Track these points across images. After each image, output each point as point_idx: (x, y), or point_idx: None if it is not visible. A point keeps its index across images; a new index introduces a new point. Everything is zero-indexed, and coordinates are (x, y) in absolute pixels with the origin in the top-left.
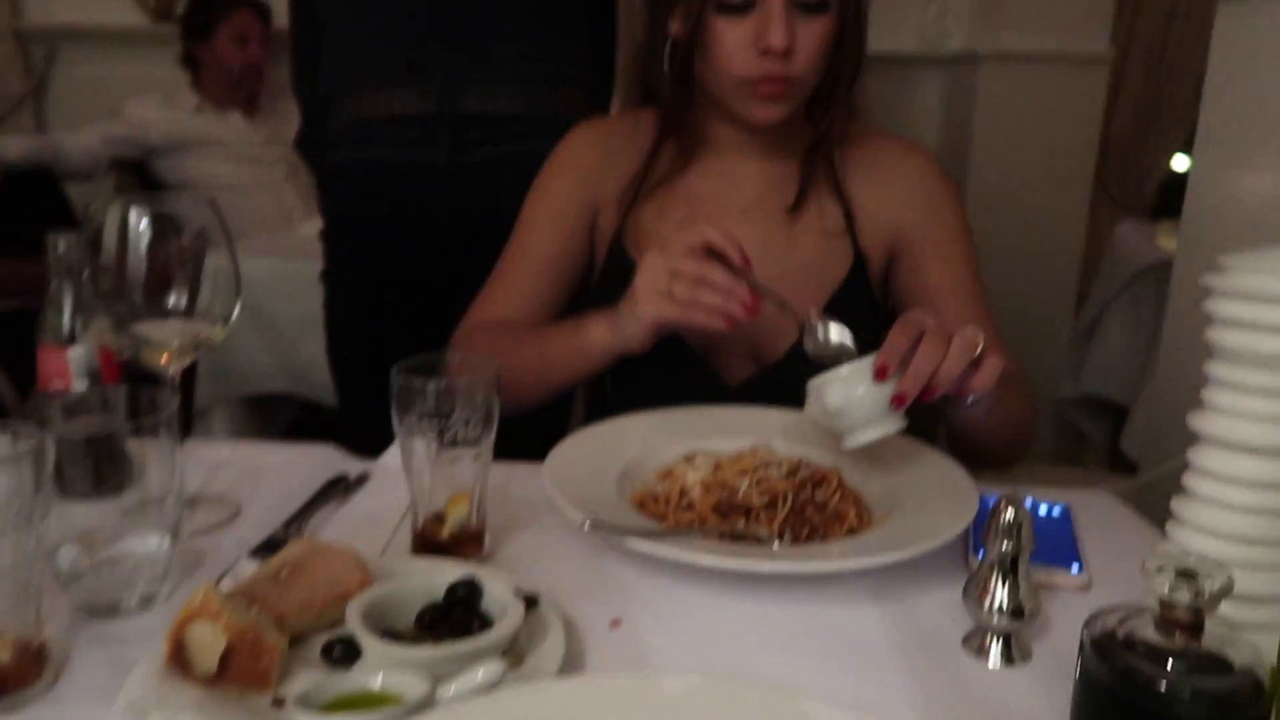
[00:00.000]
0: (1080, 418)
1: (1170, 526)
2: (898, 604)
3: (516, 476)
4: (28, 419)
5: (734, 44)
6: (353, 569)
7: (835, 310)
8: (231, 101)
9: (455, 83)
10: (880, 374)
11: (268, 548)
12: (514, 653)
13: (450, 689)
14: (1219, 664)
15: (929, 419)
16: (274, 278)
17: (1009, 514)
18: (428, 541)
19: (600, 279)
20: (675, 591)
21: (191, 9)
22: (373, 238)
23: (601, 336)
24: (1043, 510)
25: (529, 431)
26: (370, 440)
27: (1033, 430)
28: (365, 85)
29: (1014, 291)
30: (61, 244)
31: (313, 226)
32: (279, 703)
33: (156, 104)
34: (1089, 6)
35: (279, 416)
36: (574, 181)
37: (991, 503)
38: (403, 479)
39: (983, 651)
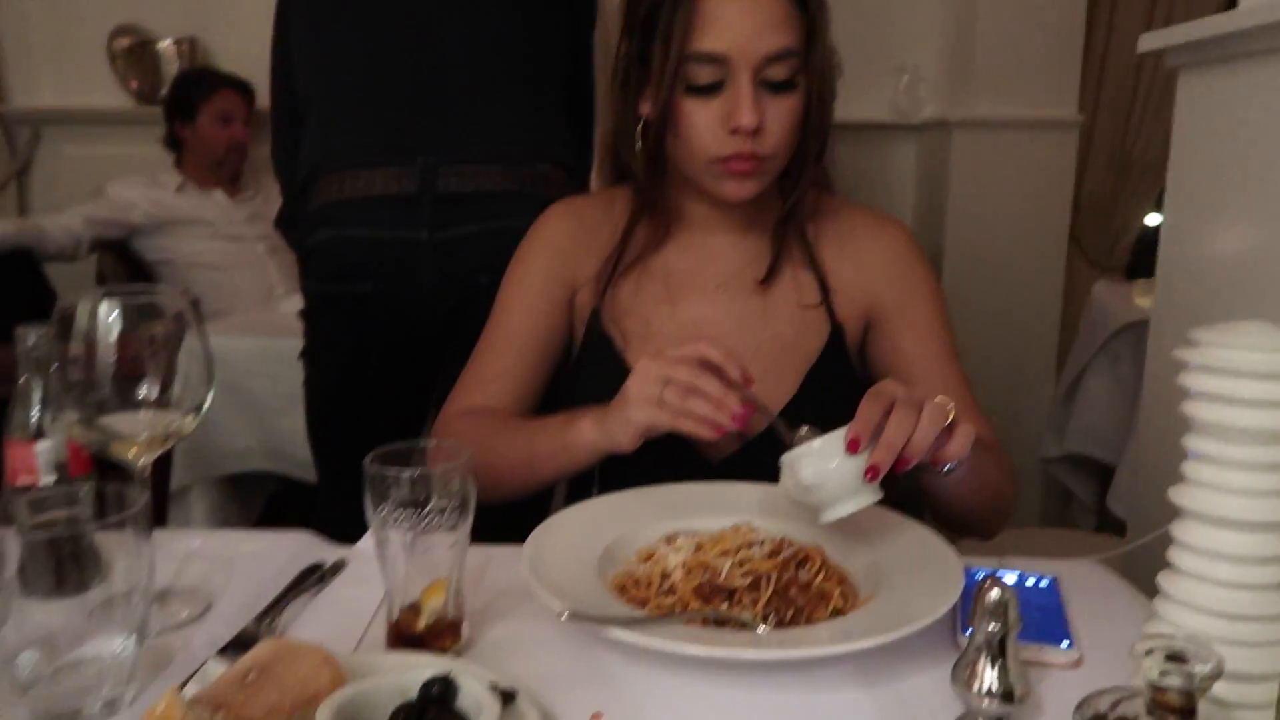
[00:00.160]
0: (1067, 476)
1: (1158, 603)
2: (886, 686)
3: (496, 560)
4: None
5: (704, 124)
6: (323, 669)
7: (814, 382)
8: (215, 180)
9: (435, 162)
10: (852, 446)
11: (237, 646)
12: None
13: None
14: None
15: (914, 493)
16: (255, 356)
17: (994, 594)
18: (403, 634)
19: (578, 357)
20: (659, 680)
21: (176, 90)
22: (353, 316)
23: (589, 436)
24: (1030, 582)
25: (510, 511)
26: (352, 520)
27: (1013, 497)
28: (345, 166)
29: (995, 352)
30: (31, 337)
31: (295, 303)
32: None
33: (139, 184)
34: (1056, 74)
35: (258, 494)
36: (550, 262)
37: (978, 577)
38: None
39: None
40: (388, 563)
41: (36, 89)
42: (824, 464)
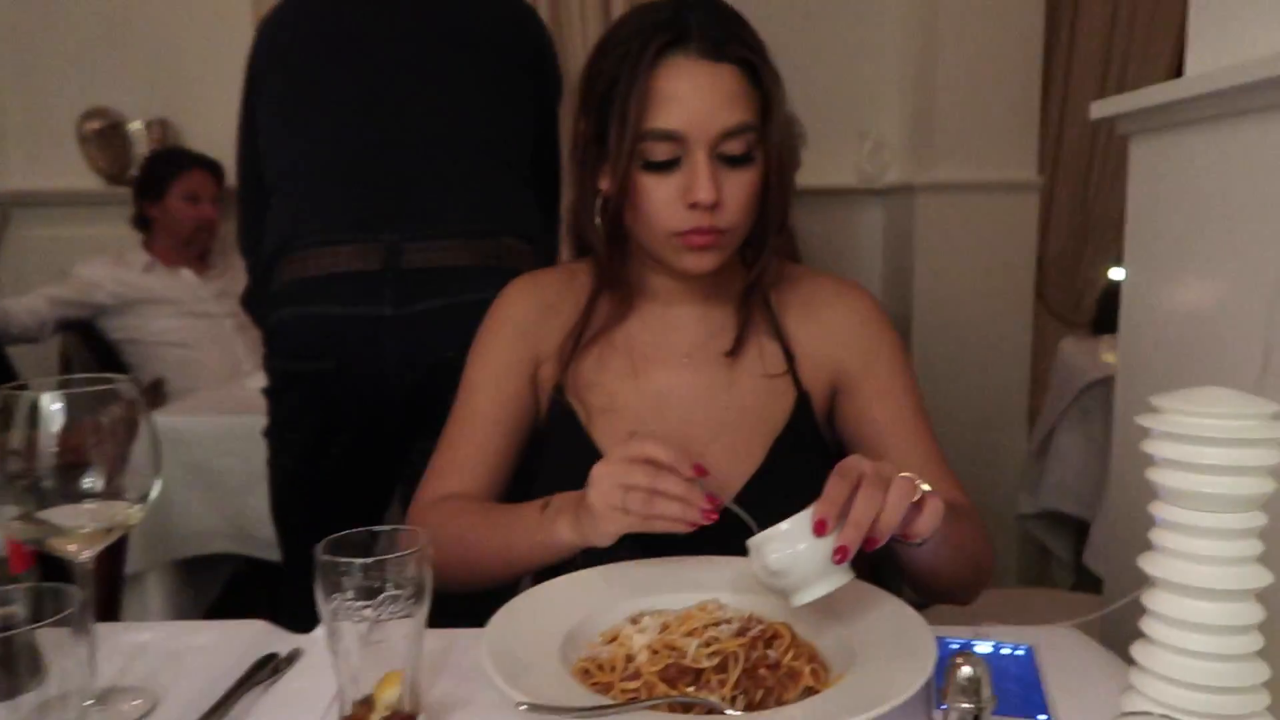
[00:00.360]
0: (1043, 533)
1: (1133, 674)
2: None
3: (458, 645)
4: None
5: (662, 199)
6: None
7: (780, 451)
8: (182, 259)
9: (399, 239)
10: (819, 528)
11: None
12: None
13: None
14: None
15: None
16: (219, 434)
17: (966, 670)
18: None
19: (543, 431)
20: None
21: (145, 170)
22: (316, 393)
23: (568, 537)
24: (1006, 651)
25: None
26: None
27: (989, 562)
28: (310, 244)
29: (967, 410)
30: None
31: (261, 379)
32: None
33: (105, 264)
34: (1015, 138)
35: (218, 574)
36: (512, 339)
37: (952, 648)
38: None
39: None
40: (339, 656)
41: (6, 171)
42: (791, 547)
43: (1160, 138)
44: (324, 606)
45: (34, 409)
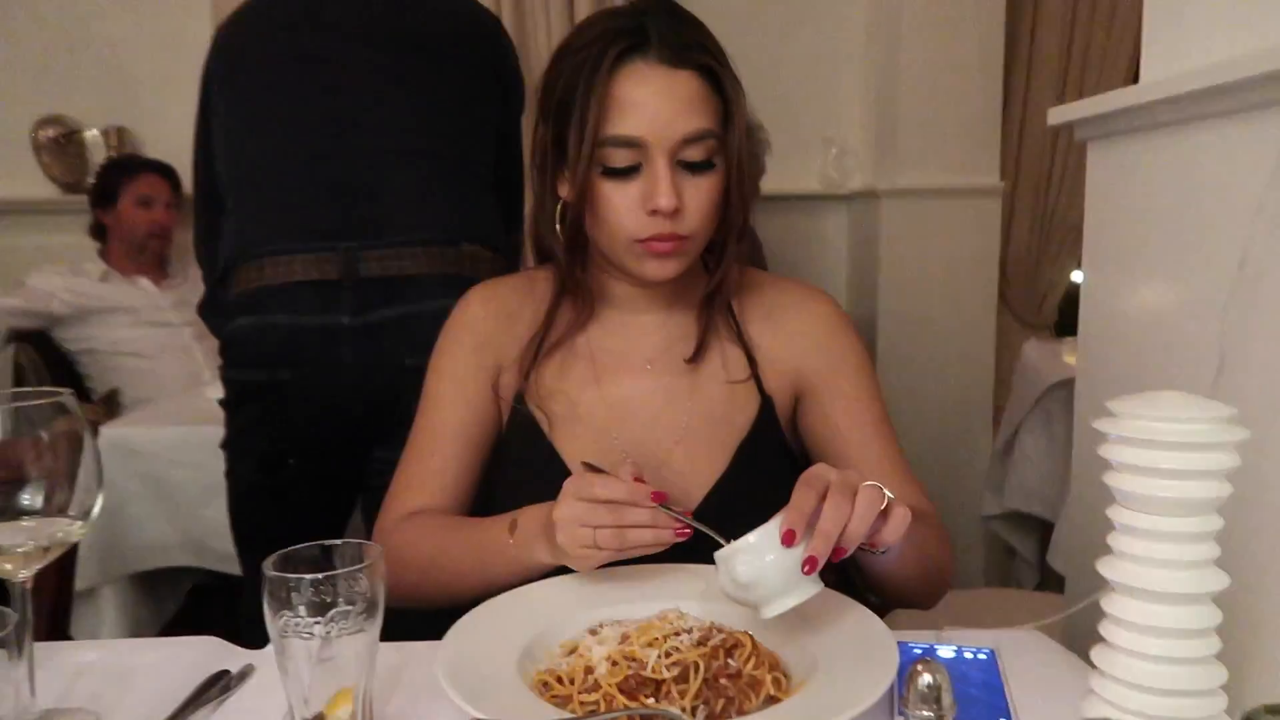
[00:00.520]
0: (1008, 533)
1: (1093, 678)
2: None
3: (415, 658)
4: None
5: (622, 206)
6: None
7: (745, 456)
8: (139, 267)
9: (357, 248)
10: (788, 539)
11: None
12: None
13: None
14: None
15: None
16: (176, 445)
17: (926, 679)
18: None
19: (504, 440)
20: None
21: (99, 177)
22: (273, 403)
23: (547, 559)
24: (969, 655)
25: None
26: None
27: (950, 567)
28: (266, 252)
29: (933, 413)
30: None
31: (219, 390)
32: None
33: (59, 273)
34: (977, 144)
35: (175, 589)
36: (472, 348)
37: (915, 652)
38: None
39: None
40: (289, 674)
41: None
42: (759, 559)
43: (1117, 143)
44: (272, 624)
45: None
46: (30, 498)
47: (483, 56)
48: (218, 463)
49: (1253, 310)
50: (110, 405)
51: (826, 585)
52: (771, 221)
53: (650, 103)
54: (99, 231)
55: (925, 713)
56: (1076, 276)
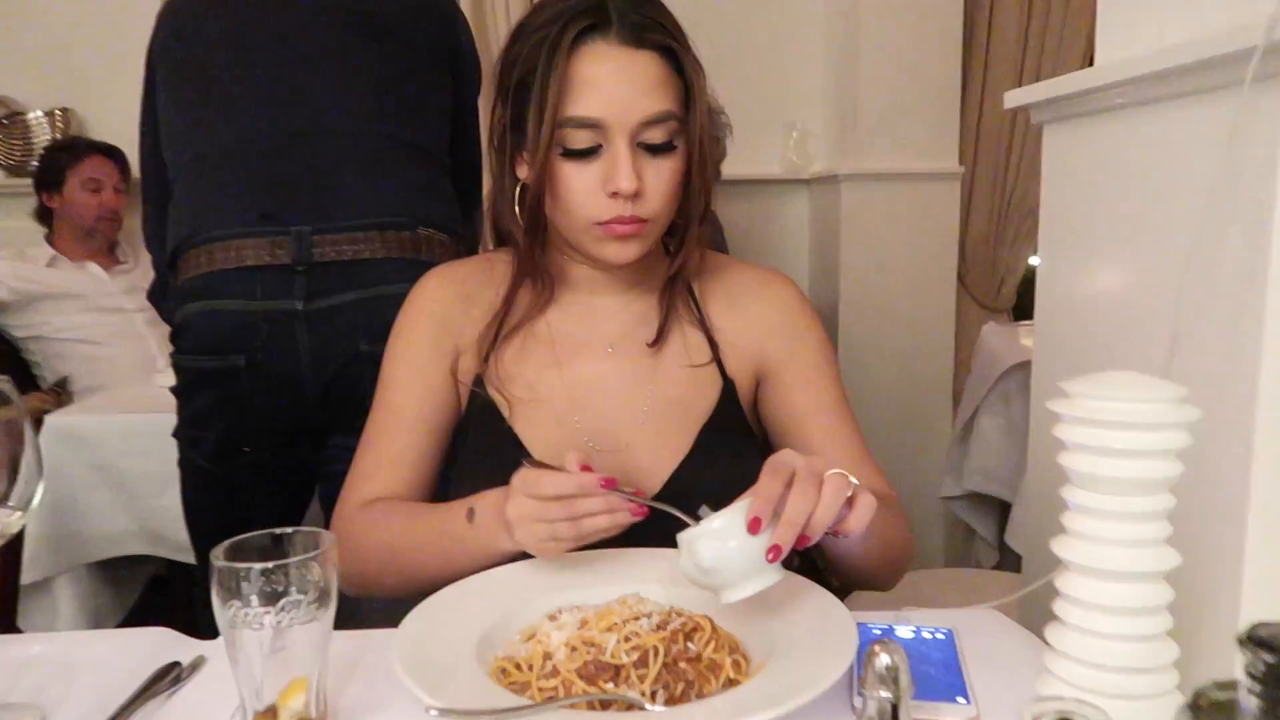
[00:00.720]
0: (967, 514)
1: (1047, 657)
2: None
3: (371, 646)
4: None
5: (582, 188)
6: None
7: (707, 439)
8: (88, 253)
9: (310, 232)
10: (753, 526)
11: None
12: None
13: None
14: None
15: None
16: (128, 433)
17: (883, 659)
18: None
19: (463, 423)
20: None
21: (43, 160)
22: (225, 390)
23: (506, 545)
24: (927, 635)
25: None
26: None
27: (910, 549)
28: (215, 237)
29: (893, 394)
30: None
31: (172, 376)
32: None
33: (3, 259)
34: (936, 129)
35: (139, 576)
36: (431, 332)
37: (874, 632)
38: None
39: None
40: (240, 665)
41: None
42: (723, 544)
43: (1072, 126)
44: (222, 614)
45: None
46: None
47: (437, 35)
48: (172, 451)
49: (1205, 292)
50: (60, 393)
51: (789, 568)
52: (733, 205)
53: (610, 83)
54: (44, 215)
55: (883, 693)
56: (1034, 261)
